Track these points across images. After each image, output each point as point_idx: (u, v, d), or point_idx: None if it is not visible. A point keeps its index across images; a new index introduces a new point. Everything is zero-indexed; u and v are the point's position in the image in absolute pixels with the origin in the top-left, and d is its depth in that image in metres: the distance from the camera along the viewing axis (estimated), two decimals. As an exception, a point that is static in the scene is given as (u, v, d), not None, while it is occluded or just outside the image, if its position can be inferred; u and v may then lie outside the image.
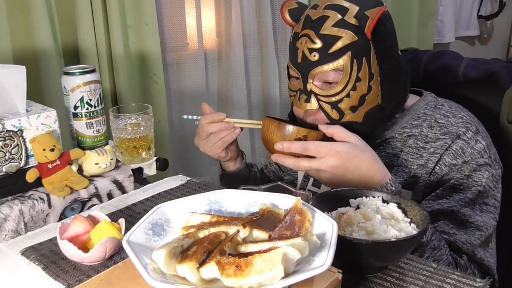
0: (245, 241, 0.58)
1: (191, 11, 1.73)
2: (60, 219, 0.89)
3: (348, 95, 0.94)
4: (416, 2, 2.22)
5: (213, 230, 0.59)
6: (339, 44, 0.92)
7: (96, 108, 1.05)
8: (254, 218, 0.62)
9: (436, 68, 1.31)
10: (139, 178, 1.03)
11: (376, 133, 1.02)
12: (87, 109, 1.04)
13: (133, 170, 1.01)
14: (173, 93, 1.78)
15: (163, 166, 1.08)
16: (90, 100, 1.03)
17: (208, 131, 1.01)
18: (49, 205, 0.88)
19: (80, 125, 1.05)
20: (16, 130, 0.91)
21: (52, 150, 0.89)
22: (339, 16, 0.92)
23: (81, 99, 1.02)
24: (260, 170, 1.29)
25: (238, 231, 0.58)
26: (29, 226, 0.85)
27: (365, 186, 0.87)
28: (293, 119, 1.06)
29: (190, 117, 1.06)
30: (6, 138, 0.89)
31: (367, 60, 0.93)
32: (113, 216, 0.82)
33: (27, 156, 0.93)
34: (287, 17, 1.01)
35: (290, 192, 0.94)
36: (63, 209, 0.89)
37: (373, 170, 0.87)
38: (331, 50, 0.92)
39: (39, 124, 0.94)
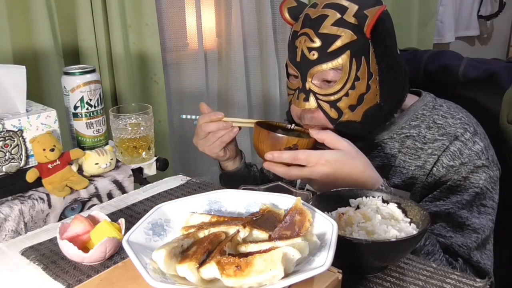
0: (245, 241, 0.58)
1: (191, 11, 1.73)
2: (60, 219, 0.89)
3: (347, 94, 0.94)
4: (416, 2, 2.22)
5: (213, 230, 0.59)
6: (338, 43, 0.92)
7: (96, 108, 1.05)
8: (254, 218, 0.62)
9: (436, 68, 1.31)
10: (139, 178, 1.03)
11: (375, 132, 1.02)
12: (87, 109, 1.04)
13: (133, 170, 1.01)
14: (173, 93, 1.78)
15: (163, 166, 1.08)
16: (90, 100, 1.03)
17: (206, 130, 1.01)
18: (49, 205, 0.88)
19: (80, 125, 1.05)
20: (16, 130, 0.91)
21: (52, 150, 0.89)
22: (338, 15, 0.92)
23: (81, 99, 1.02)
24: (259, 169, 1.29)
25: (238, 231, 0.58)
26: (29, 226, 0.85)
27: None
28: (290, 118, 1.06)
29: (188, 116, 1.06)
30: (6, 138, 0.89)
31: (366, 59, 0.93)
32: (113, 216, 0.82)
33: (27, 156, 0.93)
34: (286, 15, 1.01)
35: (290, 192, 0.94)
36: (63, 209, 0.89)
37: (364, 177, 0.86)
38: (330, 49, 0.92)
39: (39, 124, 0.94)
